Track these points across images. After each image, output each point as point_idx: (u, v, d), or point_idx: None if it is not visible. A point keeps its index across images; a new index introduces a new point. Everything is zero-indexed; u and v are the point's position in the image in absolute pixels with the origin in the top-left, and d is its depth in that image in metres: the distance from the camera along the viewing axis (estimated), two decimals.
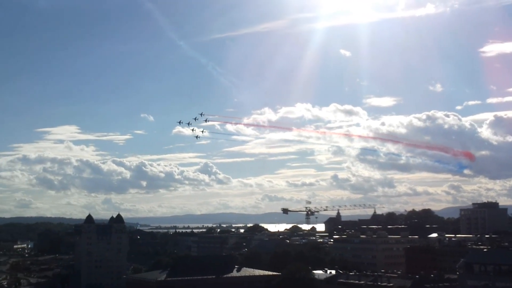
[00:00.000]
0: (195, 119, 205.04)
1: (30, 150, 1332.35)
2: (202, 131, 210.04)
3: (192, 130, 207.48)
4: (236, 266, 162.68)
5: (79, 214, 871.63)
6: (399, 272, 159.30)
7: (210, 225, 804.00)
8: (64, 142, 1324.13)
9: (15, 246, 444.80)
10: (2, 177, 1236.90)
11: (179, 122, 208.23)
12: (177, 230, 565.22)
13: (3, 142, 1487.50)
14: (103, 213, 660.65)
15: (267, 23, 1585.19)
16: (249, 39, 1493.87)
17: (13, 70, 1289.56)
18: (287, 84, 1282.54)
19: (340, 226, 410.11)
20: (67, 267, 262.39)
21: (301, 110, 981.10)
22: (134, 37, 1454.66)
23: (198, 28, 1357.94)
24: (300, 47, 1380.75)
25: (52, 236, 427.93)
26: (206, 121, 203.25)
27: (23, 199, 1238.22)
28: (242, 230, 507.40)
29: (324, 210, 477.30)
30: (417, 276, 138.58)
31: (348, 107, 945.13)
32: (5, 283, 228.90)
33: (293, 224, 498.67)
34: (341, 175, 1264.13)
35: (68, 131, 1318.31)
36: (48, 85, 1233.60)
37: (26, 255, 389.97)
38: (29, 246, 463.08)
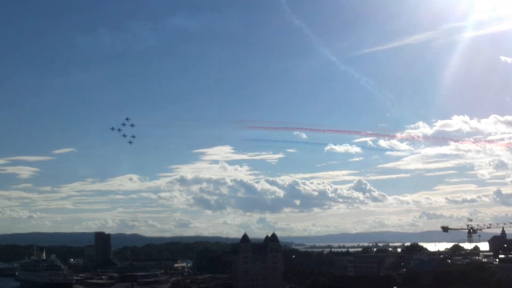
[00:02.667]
0: (123, 124, 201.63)
1: (187, 171, 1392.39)
2: (133, 136, 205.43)
3: (124, 136, 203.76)
4: (394, 287, 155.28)
5: (235, 233, 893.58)
6: None
7: (366, 244, 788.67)
8: (219, 163, 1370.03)
9: (175, 265, 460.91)
10: (162, 198, 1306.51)
11: (112, 129, 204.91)
12: (332, 250, 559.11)
13: (163, 164, 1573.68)
14: (258, 232, 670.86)
15: (417, 35, 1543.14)
16: (399, 52, 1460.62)
17: (170, 94, 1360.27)
18: (442, 96, 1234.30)
19: (505, 245, 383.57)
20: (225, 285, 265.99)
21: (458, 122, 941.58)
22: (286, 55, 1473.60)
23: (348, 43, 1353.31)
24: (454, 57, 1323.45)
25: (210, 255, 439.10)
26: (132, 125, 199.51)
27: (182, 219, 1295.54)
28: (399, 249, 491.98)
29: (488, 227, 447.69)
30: None
31: (510, 118, 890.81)
32: None
33: (454, 243, 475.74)
34: (505, 190, 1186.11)
35: (223, 152, 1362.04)
36: (205, 109, 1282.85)
37: (186, 273, 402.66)
38: (189, 264, 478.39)
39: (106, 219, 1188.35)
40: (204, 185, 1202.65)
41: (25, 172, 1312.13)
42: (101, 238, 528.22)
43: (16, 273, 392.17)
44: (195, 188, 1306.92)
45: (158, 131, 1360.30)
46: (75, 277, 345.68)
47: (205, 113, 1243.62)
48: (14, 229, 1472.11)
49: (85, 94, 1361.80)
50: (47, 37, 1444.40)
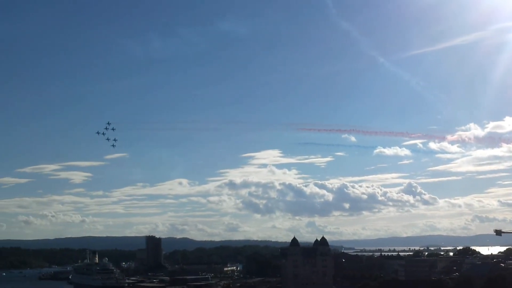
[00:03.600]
0: (105, 128, 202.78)
1: (235, 175, 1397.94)
2: (115, 140, 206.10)
3: (107, 139, 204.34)
4: None
5: (284, 237, 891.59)
6: None
7: (416, 248, 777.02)
8: (267, 166, 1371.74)
9: (225, 269, 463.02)
10: (211, 202, 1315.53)
11: (97, 133, 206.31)
12: (383, 253, 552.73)
13: (212, 168, 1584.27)
14: (307, 236, 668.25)
15: (465, 36, 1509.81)
16: (448, 53, 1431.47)
17: (219, 98, 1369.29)
18: (494, 97, 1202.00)
19: None
20: None
21: (510, 124, 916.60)
22: (333, 57, 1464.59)
23: (396, 44, 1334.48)
24: (504, 57, 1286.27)
25: (259, 259, 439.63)
26: (113, 129, 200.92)
27: (231, 223, 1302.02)
28: (451, 253, 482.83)
29: None
30: None
31: None
32: None
33: (507, 247, 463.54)
34: None
35: (271, 156, 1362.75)
36: (253, 113, 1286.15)
37: (236, 277, 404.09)
38: (238, 268, 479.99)
39: (157, 223, 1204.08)
40: (253, 189, 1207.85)
41: (77, 177, 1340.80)
42: (152, 242, 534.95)
43: (70, 277, 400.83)
44: (243, 192, 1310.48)
45: (207, 136, 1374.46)
46: (126, 281, 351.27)
47: (254, 117, 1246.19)
48: (68, 233, 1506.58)
49: (135, 99, 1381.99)
50: (97, 44, 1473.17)
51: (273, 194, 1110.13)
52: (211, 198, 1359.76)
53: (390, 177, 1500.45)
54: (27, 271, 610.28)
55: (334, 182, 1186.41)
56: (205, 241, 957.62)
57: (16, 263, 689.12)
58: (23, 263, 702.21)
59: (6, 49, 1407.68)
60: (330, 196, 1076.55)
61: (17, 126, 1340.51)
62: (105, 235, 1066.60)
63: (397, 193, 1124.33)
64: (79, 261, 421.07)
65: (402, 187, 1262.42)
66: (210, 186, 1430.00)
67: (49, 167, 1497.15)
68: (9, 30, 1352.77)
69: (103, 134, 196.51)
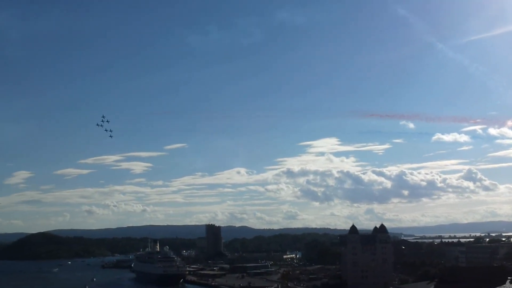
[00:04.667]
0: (102, 121, 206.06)
1: (293, 163, 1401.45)
2: (111, 131, 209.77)
3: (106, 130, 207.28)
4: (509, 278, 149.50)
5: (343, 225, 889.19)
6: None
7: (477, 234, 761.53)
8: (325, 155, 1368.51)
9: (284, 256, 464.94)
10: (269, 190, 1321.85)
11: (97, 124, 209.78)
12: (443, 240, 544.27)
13: (270, 157, 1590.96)
14: (366, 223, 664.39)
15: None
16: (508, 38, 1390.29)
17: (277, 88, 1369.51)
18: None
19: None
20: (334, 277, 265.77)
21: None
22: (392, 44, 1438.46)
23: (454, 30, 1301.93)
24: None
25: (318, 246, 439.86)
26: (107, 121, 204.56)
27: (289, 211, 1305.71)
28: None
29: None
30: None
31: None
32: None
33: None
34: None
35: (329, 144, 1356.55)
36: (311, 101, 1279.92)
37: (295, 264, 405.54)
38: (298, 256, 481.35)
39: (216, 212, 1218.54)
40: (311, 177, 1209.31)
41: (138, 167, 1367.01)
42: (212, 231, 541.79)
43: (132, 265, 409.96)
44: (301, 180, 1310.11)
45: (265, 125, 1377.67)
46: (187, 268, 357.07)
47: (311, 105, 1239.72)
48: (129, 222, 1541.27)
49: (195, 91, 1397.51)
50: (156, 35, 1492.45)
51: (331, 182, 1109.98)
52: (269, 187, 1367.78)
53: (450, 163, 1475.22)
54: (90, 260, 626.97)
55: (392, 169, 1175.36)
56: (264, 229, 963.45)
57: (80, 252, 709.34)
58: (86, 252, 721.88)
59: (65, 41, 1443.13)
60: (388, 183, 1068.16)
61: (79, 118, 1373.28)
62: (165, 224, 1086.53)
63: (456, 180, 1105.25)
64: (141, 249, 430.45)
65: (461, 174, 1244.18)
66: (268, 175, 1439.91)
67: (110, 158, 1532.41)
68: (70, 22, 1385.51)
69: (101, 126, 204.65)
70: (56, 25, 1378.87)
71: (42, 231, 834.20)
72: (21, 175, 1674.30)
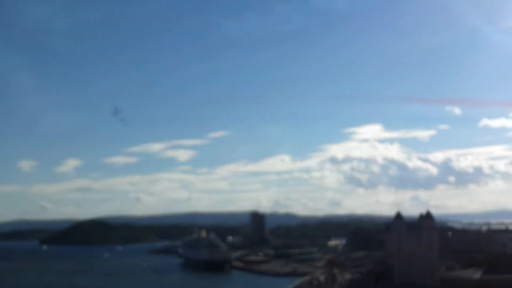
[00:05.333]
0: (115, 112, 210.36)
1: (337, 150, 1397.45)
2: (124, 119, 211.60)
3: (120, 120, 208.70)
4: None
5: (388, 212, 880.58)
6: None
7: None
8: (369, 141, 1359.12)
9: (329, 243, 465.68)
10: (313, 177, 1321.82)
11: (112, 115, 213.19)
12: (491, 227, 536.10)
13: (313, 143, 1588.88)
14: (411, 210, 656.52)
15: None
16: None
17: (319, 75, 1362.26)
18: None
19: None
20: (379, 264, 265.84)
21: None
22: (434, 28, 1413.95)
23: (500, 13, 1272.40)
24: None
25: (363, 233, 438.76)
26: (120, 112, 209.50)
27: (333, 198, 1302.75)
28: None
29: None
30: None
31: None
32: (322, 277, 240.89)
33: None
34: None
35: (373, 130, 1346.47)
36: (355, 87, 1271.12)
37: (340, 251, 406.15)
38: (342, 242, 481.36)
39: (260, 199, 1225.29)
40: (355, 164, 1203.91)
41: (183, 155, 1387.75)
42: (256, 217, 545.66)
43: (179, 250, 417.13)
44: (346, 167, 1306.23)
45: (308, 111, 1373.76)
46: (233, 254, 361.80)
47: (355, 91, 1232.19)
48: (176, 209, 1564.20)
49: (237, 78, 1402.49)
50: (194, 24, 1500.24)
51: (375, 169, 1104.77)
52: (313, 174, 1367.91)
53: (497, 149, 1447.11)
54: (139, 246, 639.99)
55: (438, 156, 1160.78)
56: (308, 216, 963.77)
57: (129, 238, 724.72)
58: (135, 238, 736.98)
59: (111, 31, 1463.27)
60: (434, 170, 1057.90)
61: (125, 108, 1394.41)
62: (210, 211, 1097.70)
63: (504, 166, 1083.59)
64: (187, 235, 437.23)
65: (510, 159, 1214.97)
66: (312, 162, 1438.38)
67: (156, 146, 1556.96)
68: (116, 12, 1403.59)
69: (115, 116, 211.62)
70: (103, 15, 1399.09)
71: (92, 217, 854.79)
72: (71, 163, 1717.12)
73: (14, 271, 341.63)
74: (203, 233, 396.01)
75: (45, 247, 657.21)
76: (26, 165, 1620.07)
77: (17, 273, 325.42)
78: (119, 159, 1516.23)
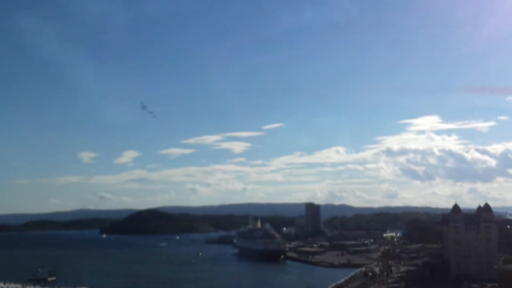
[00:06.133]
0: (143, 108, 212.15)
1: (393, 142, 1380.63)
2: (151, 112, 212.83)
3: (149, 112, 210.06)
4: None
5: (445, 204, 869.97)
6: None
7: None
8: (425, 133, 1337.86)
9: (384, 235, 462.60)
10: (368, 169, 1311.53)
11: (142, 108, 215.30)
12: None
13: (369, 135, 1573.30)
14: (469, 203, 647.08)
15: None
16: None
17: (374, 65, 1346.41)
18: None
19: None
20: (435, 256, 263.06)
21: None
22: (495, 17, 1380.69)
23: None
24: None
25: (419, 225, 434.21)
26: (145, 107, 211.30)
27: (389, 190, 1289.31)
28: None
29: None
30: None
31: None
32: (377, 269, 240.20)
33: None
34: None
35: (430, 121, 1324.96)
36: (411, 78, 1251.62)
37: (396, 243, 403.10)
38: (398, 234, 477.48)
39: (315, 190, 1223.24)
40: (411, 155, 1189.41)
41: (238, 147, 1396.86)
42: (311, 209, 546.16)
43: (234, 241, 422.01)
44: (401, 159, 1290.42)
45: (363, 103, 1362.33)
46: (287, 245, 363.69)
47: (411, 82, 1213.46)
48: (231, 200, 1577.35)
49: (291, 70, 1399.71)
50: (251, 16, 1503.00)
51: (432, 161, 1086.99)
52: (369, 165, 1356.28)
53: None
54: (195, 235, 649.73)
55: (497, 148, 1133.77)
56: (364, 208, 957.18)
57: (185, 228, 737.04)
58: (191, 227, 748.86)
59: (168, 24, 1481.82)
60: (493, 162, 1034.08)
61: (182, 100, 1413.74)
62: (265, 202, 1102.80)
63: None
64: (242, 226, 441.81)
65: None
66: (367, 154, 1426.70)
67: (211, 138, 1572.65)
68: (173, 5, 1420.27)
69: (144, 109, 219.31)
70: (160, 10, 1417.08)
71: (149, 207, 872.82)
72: (129, 155, 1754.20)
73: (76, 259, 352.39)
74: (258, 224, 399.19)
75: (104, 236, 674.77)
76: (86, 156, 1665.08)
77: (78, 261, 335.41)
78: (175, 151, 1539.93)
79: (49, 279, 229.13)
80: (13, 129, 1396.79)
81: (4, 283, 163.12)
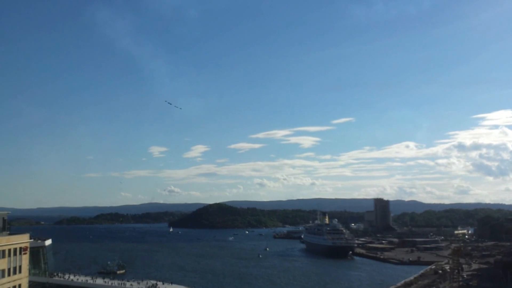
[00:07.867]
0: (169, 104, 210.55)
1: (465, 137, 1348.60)
2: (176, 106, 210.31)
3: (175, 107, 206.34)
4: None
5: None
6: None
7: None
8: (499, 127, 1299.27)
9: (455, 232, 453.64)
10: (439, 165, 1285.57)
11: (168, 103, 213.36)
12: None
13: (440, 130, 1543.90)
14: None
15: None
16: None
17: (445, 59, 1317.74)
18: None
19: None
20: (508, 254, 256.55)
21: None
22: None
23: None
24: None
25: (492, 222, 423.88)
26: (170, 104, 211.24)
27: (461, 186, 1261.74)
28: None
29: None
30: None
31: None
32: (448, 267, 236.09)
33: None
34: None
35: (504, 116, 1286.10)
36: (484, 72, 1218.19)
37: (467, 240, 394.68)
38: (469, 232, 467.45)
39: (384, 186, 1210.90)
40: (484, 151, 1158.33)
41: (307, 142, 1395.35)
42: (380, 204, 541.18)
43: (302, 236, 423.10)
44: (474, 154, 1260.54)
45: (436, 97, 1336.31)
46: (356, 241, 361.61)
47: (485, 76, 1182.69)
48: (299, 195, 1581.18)
49: (361, 65, 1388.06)
50: (323, 11, 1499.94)
51: (506, 156, 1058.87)
52: (439, 161, 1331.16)
53: None
54: (263, 230, 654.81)
55: None
56: (434, 204, 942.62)
57: (253, 222, 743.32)
58: (259, 222, 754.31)
59: (244, 22, 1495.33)
60: None
61: (249, 95, 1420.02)
62: (333, 197, 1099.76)
63: None
64: (310, 221, 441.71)
65: None
66: (438, 149, 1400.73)
67: (280, 133, 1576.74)
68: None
69: (171, 104, 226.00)
70: (232, 4, 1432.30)
71: (217, 202, 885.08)
72: (198, 149, 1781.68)
73: (147, 252, 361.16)
74: (326, 219, 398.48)
75: (172, 229, 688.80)
76: (156, 150, 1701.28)
77: (149, 254, 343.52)
78: (244, 145, 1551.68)
79: (118, 272, 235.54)
80: (88, 124, 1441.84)
81: (74, 276, 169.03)
